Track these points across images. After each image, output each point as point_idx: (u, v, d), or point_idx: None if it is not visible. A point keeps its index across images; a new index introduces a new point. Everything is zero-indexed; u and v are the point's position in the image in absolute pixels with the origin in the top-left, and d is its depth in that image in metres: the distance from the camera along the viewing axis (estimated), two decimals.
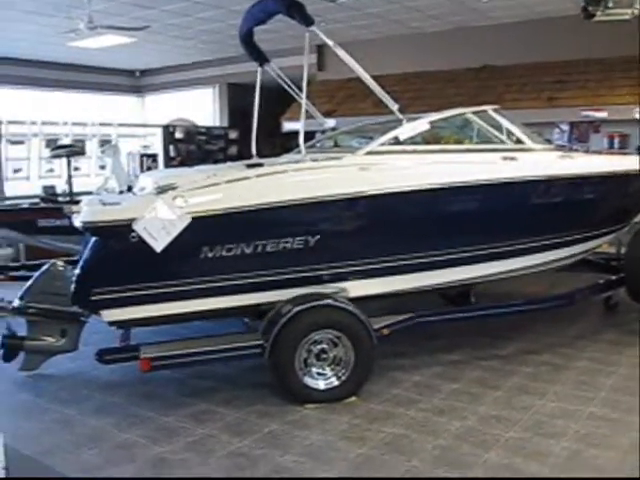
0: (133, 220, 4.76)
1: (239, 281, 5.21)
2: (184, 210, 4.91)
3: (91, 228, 4.84)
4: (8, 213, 9.38)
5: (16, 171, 13.22)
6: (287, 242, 5.18)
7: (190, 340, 5.34)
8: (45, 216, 9.12)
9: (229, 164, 6.87)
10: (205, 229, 4.94)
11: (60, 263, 6.06)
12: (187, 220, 4.91)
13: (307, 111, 5.93)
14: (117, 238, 4.77)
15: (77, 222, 4.93)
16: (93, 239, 4.95)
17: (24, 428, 4.93)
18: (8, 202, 11.52)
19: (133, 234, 4.77)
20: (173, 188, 5.10)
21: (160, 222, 4.81)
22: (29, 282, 6.04)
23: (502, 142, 6.28)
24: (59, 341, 5.88)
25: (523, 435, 4.69)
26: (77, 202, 6.00)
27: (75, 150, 11.63)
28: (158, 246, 4.85)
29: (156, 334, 5.85)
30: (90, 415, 5.13)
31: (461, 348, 6.67)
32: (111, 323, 5.12)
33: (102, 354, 5.20)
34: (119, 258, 4.88)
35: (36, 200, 11.23)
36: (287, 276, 5.32)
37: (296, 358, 5.17)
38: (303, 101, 5.75)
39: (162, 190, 5.12)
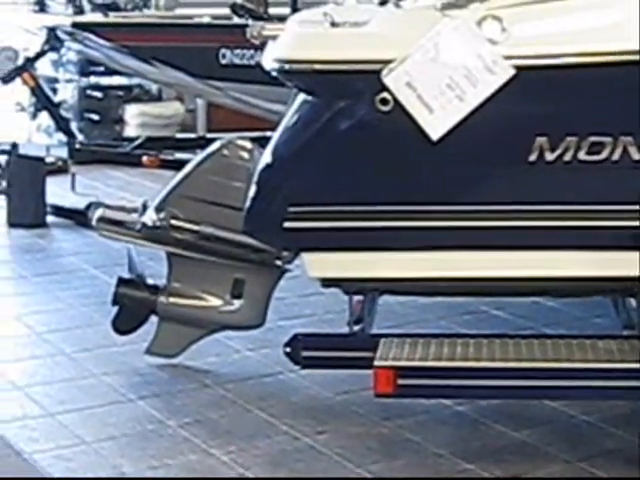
0: (386, 66, 2.55)
1: (612, 219, 2.57)
2: (502, 50, 2.55)
3: (296, 76, 2.69)
4: (168, 32, 5.51)
5: None
6: None
7: (475, 341, 2.70)
8: (232, 43, 5.33)
9: None
10: (544, 98, 2.62)
11: (242, 142, 3.39)
12: (507, 73, 2.53)
13: None
14: (351, 101, 2.67)
15: (267, 60, 2.73)
16: (300, 99, 2.78)
17: None
18: (174, 15, 6.63)
19: (384, 95, 2.58)
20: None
21: (445, 73, 2.60)
22: (177, 177, 3.44)
23: None
24: (228, 304, 3.21)
25: None
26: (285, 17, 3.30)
27: None
28: (437, 127, 2.57)
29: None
30: None
31: None
32: (323, 281, 2.79)
33: (296, 347, 2.81)
34: (348, 145, 2.70)
35: (224, 12, 5.35)
36: None
37: None
38: None
39: (454, 2, 2.58)
